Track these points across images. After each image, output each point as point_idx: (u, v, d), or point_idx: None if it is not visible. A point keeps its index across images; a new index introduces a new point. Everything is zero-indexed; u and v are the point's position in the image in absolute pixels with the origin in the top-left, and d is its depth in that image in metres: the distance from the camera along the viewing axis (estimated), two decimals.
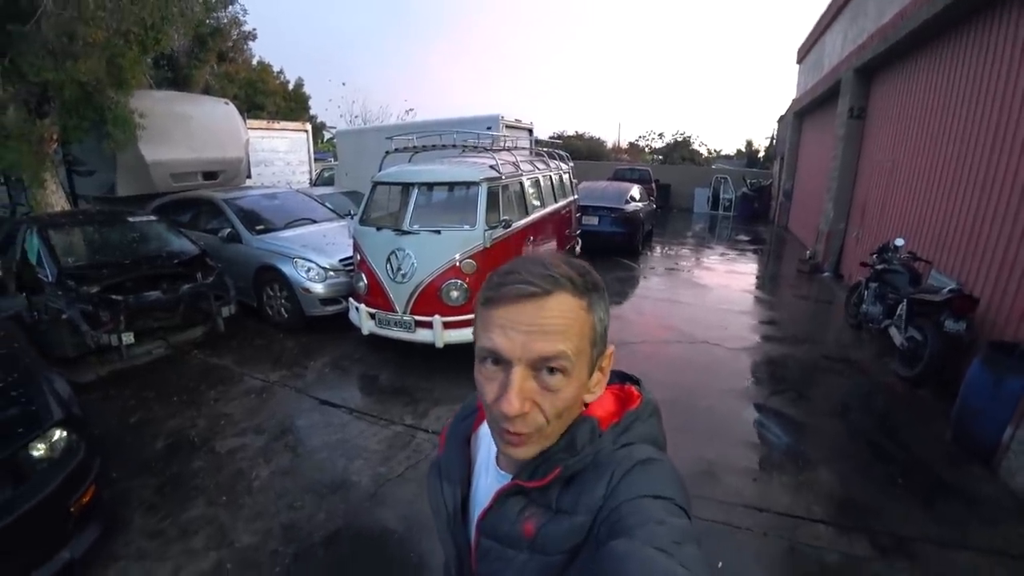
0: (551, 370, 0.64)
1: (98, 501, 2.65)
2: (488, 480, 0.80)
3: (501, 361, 0.65)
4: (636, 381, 0.82)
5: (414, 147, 5.73)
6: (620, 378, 0.82)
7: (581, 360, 0.66)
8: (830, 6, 10.10)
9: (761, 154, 29.37)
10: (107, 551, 2.63)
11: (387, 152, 5.60)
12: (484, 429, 0.84)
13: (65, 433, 2.54)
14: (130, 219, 5.67)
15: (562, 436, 0.70)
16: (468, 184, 4.73)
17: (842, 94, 8.62)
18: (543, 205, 6.05)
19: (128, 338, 4.57)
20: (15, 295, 4.51)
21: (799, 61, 14.10)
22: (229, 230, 6.02)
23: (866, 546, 2.67)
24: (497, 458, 0.80)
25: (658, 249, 11.44)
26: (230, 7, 9.16)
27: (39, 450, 2.43)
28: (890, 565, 2.55)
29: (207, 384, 4.47)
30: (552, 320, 0.63)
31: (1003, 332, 3.93)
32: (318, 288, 5.40)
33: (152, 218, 5.90)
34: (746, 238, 13.40)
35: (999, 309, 4.06)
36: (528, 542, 0.69)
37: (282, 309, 5.70)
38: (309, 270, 5.43)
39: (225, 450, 3.52)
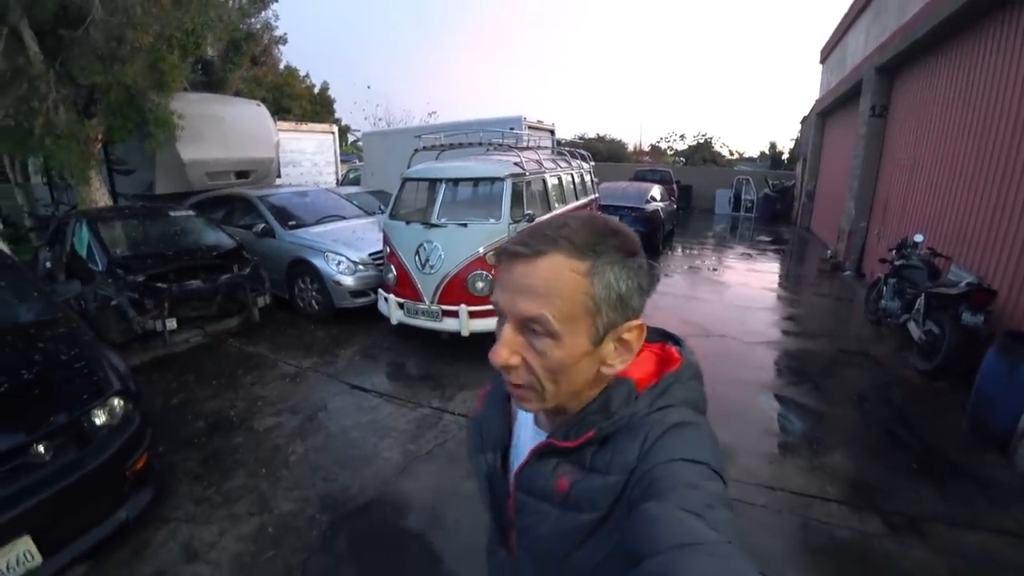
0: (535, 331, 0.65)
1: (150, 468, 2.85)
2: (526, 436, 0.82)
3: (502, 314, 0.68)
4: (678, 341, 0.81)
5: (441, 145, 5.94)
6: (662, 336, 0.82)
7: (571, 326, 0.64)
8: (853, 5, 10.07)
9: (785, 156, 28.99)
10: (158, 514, 2.84)
11: (415, 150, 5.81)
12: None
13: (123, 402, 2.75)
14: (171, 214, 5.98)
15: (597, 397, 0.71)
16: (493, 180, 4.92)
17: (864, 92, 8.59)
18: (565, 202, 6.20)
19: (172, 324, 4.85)
20: (70, 282, 4.81)
21: (822, 61, 14.01)
22: (263, 225, 6.29)
23: (877, 524, 2.75)
24: (536, 416, 0.81)
25: (679, 249, 11.48)
26: (263, 12, 9.48)
27: (100, 417, 2.63)
28: (901, 542, 2.63)
29: (244, 369, 4.71)
30: (536, 281, 0.64)
31: (1022, 323, 3.95)
32: (348, 281, 5.61)
33: (191, 213, 6.21)
34: (767, 239, 13.34)
35: (1017, 301, 4.08)
36: (561, 498, 0.70)
37: (313, 301, 5.93)
38: (340, 263, 5.65)
39: (263, 428, 3.73)
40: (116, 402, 2.74)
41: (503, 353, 0.66)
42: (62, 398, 2.60)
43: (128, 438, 2.68)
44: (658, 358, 0.78)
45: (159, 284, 4.86)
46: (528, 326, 0.65)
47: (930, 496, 2.98)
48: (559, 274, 0.64)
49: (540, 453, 0.74)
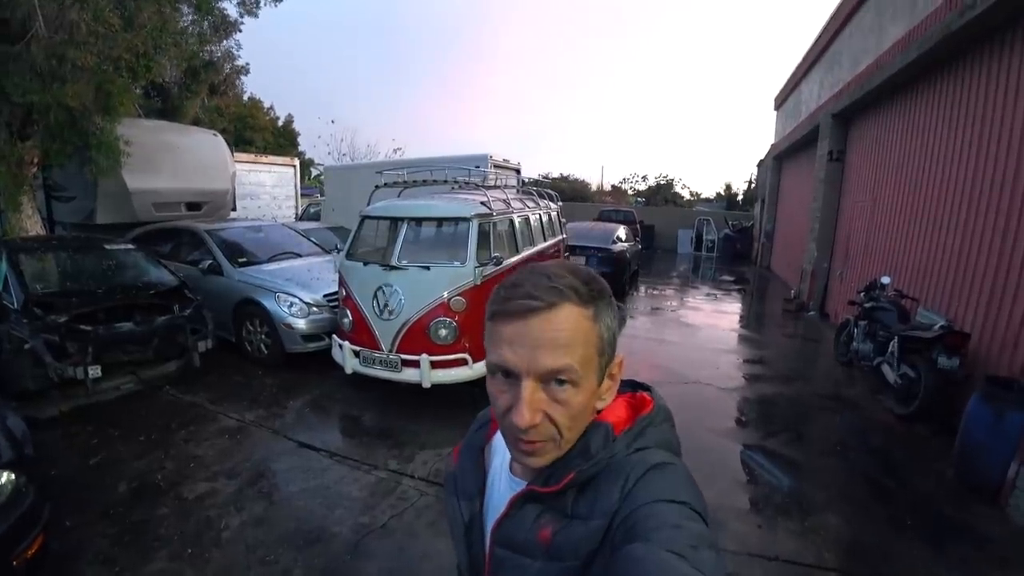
0: (560, 381, 0.65)
1: (46, 553, 2.40)
2: (502, 488, 0.80)
3: (511, 374, 0.66)
4: (647, 388, 0.82)
5: (404, 182, 5.69)
6: (632, 387, 0.83)
7: (588, 369, 0.66)
8: (806, 56, 10.57)
9: (740, 197, 30.12)
10: None
11: (376, 186, 5.54)
12: (498, 439, 0.84)
13: (13, 476, 2.30)
14: (106, 247, 5.47)
15: (576, 442, 0.70)
16: (459, 220, 4.66)
17: (821, 138, 8.89)
18: (533, 243, 6.01)
19: (95, 371, 4.30)
20: None
21: (777, 108, 14.66)
22: (210, 262, 5.86)
23: None
24: (511, 465, 0.80)
25: (643, 289, 11.46)
26: (225, 41, 9.18)
27: None
28: None
29: (178, 423, 4.20)
30: (558, 333, 0.64)
31: (996, 366, 3.93)
32: (300, 324, 5.21)
33: (130, 246, 5.71)
34: (730, 278, 13.53)
35: (990, 344, 4.08)
36: (544, 549, 0.68)
37: (262, 345, 5.48)
38: (292, 305, 5.25)
39: (193, 496, 3.25)
40: (3, 476, 2.29)
41: (528, 415, 0.64)
42: None
43: (17, 519, 2.23)
44: (629, 404, 0.78)
45: (83, 326, 4.34)
46: (552, 378, 0.65)
47: (929, 557, 2.80)
48: (576, 323, 0.65)
49: (520, 502, 0.73)
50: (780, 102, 14.12)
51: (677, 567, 0.54)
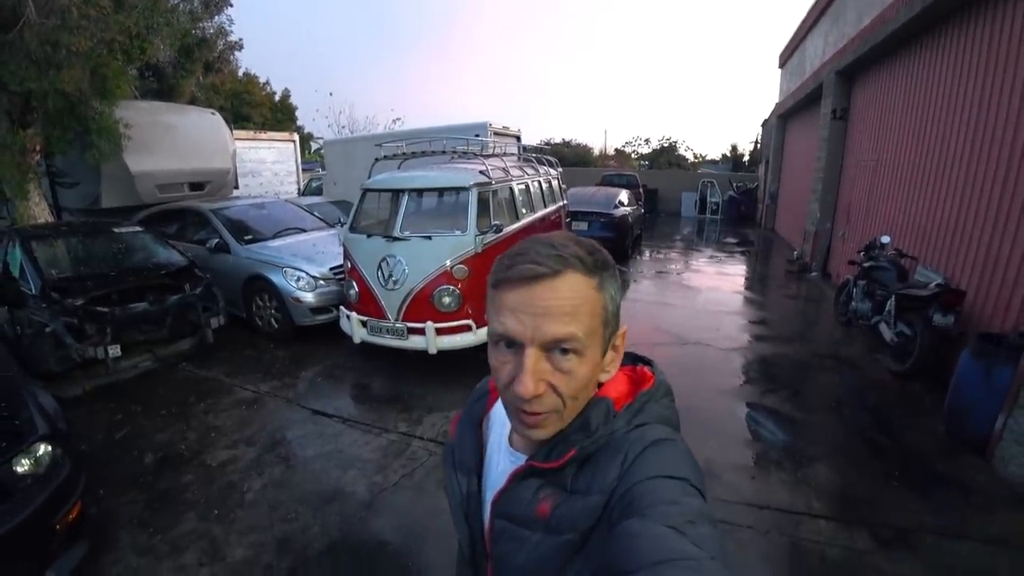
0: (564, 351, 0.64)
1: (84, 518, 2.58)
2: (501, 461, 0.80)
3: (514, 344, 0.65)
4: (648, 362, 0.82)
5: (403, 154, 5.72)
6: (632, 360, 0.83)
7: (593, 340, 0.66)
8: (811, 11, 10.29)
9: (746, 158, 29.67)
10: (94, 570, 2.55)
11: (376, 159, 5.58)
12: (496, 411, 0.85)
13: (50, 448, 2.46)
14: (116, 230, 5.58)
15: (576, 417, 0.70)
16: (458, 189, 4.72)
17: (824, 96, 8.75)
18: (533, 210, 6.05)
19: (115, 351, 4.47)
20: None
21: (781, 66, 14.32)
22: (217, 240, 5.96)
23: (867, 539, 2.67)
24: (510, 438, 0.80)
25: (647, 253, 11.49)
26: (216, 17, 9.09)
27: (24, 466, 2.35)
28: (891, 556, 2.55)
29: (196, 396, 4.39)
30: (563, 301, 0.63)
31: (990, 324, 3.99)
32: (308, 297, 5.34)
33: (138, 229, 5.81)
34: (734, 240, 13.50)
35: (985, 301, 4.13)
36: (543, 523, 0.68)
37: (272, 319, 5.63)
38: (299, 279, 5.37)
39: (216, 463, 3.44)
40: (42, 448, 2.45)
41: (532, 385, 0.63)
42: None
43: (57, 488, 2.40)
44: (629, 378, 0.78)
45: (100, 308, 4.49)
46: (556, 347, 0.64)
47: (916, 506, 2.93)
48: (581, 291, 0.64)
49: (520, 476, 0.73)
50: (784, 59, 13.79)
51: (675, 542, 0.54)
